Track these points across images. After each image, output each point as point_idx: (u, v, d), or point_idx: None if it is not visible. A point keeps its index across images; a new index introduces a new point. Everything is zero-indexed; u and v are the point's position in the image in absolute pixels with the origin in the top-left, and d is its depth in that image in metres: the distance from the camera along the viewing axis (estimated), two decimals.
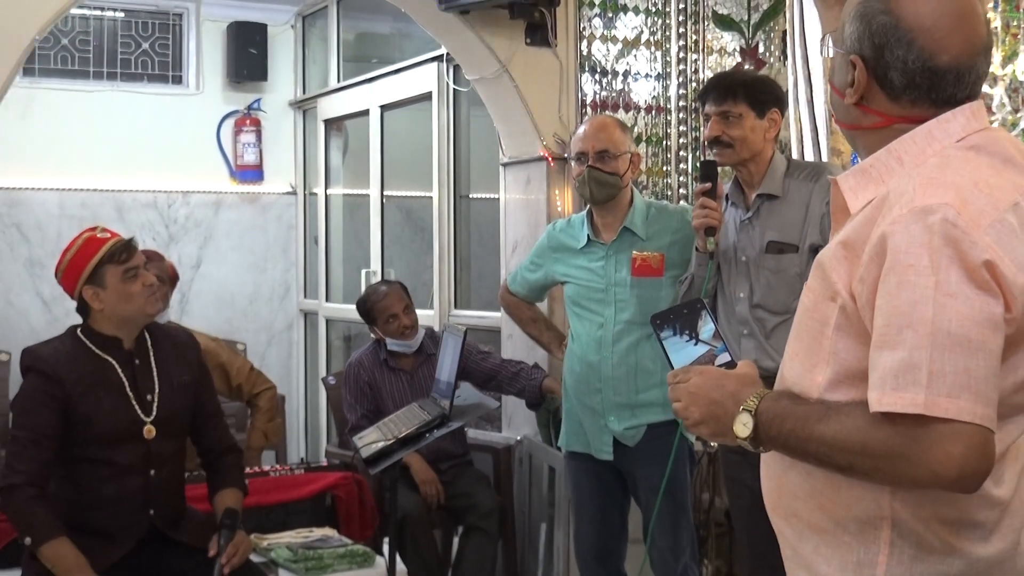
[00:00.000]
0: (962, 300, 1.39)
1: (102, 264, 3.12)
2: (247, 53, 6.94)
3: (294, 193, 7.27)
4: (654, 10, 4.85)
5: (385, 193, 6.37)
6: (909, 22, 1.56)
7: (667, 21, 4.79)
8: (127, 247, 3.17)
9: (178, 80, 7.01)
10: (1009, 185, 1.49)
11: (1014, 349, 1.47)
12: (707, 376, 1.70)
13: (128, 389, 3.17)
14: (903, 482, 1.47)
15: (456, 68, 5.33)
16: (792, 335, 1.68)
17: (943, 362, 1.38)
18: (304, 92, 7.24)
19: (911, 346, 1.40)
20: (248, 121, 7.05)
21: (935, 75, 1.55)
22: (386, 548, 3.56)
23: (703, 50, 4.65)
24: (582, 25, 4.78)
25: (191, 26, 7.01)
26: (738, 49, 4.52)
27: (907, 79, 1.56)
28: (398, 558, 3.47)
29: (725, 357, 1.79)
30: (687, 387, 1.70)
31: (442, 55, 5.47)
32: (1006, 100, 4.20)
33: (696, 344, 1.81)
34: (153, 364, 3.24)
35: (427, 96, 5.76)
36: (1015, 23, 4.30)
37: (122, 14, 6.85)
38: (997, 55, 4.01)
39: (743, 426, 1.58)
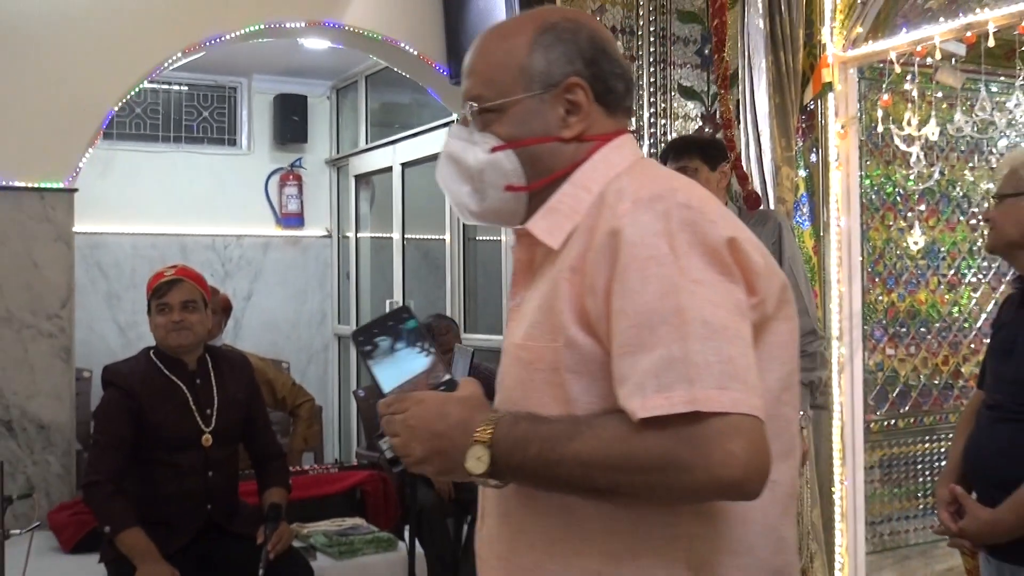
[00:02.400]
0: (709, 286, 1.09)
1: (152, 297, 3.18)
2: (290, 120, 6.99)
3: (330, 236, 7.30)
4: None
5: (406, 236, 6.40)
6: (599, 35, 1.32)
7: (639, 92, 4.82)
8: (168, 285, 3.18)
9: (232, 143, 7.05)
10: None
11: (764, 338, 1.18)
12: (427, 405, 1.19)
13: (191, 404, 3.18)
14: (679, 496, 1.09)
15: None
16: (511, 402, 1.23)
17: (706, 352, 1.06)
18: (338, 152, 7.27)
19: (668, 341, 1.06)
20: (291, 176, 7.08)
21: (628, 80, 1.33)
22: (407, 535, 3.56)
23: (670, 116, 4.67)
24: None
25: (243, 97, 7.05)
26: (699, 115, 4.55)
27: (624, 84, 1.32)
28: (417, 543, 3.47)
29: (442, 376, 1.27)
30: (404, 419, 1.19)
31: (454, 121, 5.50)
32: (922, 156, 4.23)
33: (408, 355, 1.27)
34: (213, 382, 3.25)
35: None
36: (928, 92, 4.34)
37: (186, 87, 6.89)
38: (914, 119, 4.04)
39: (477, 460, 1.13)
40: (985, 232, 2.52)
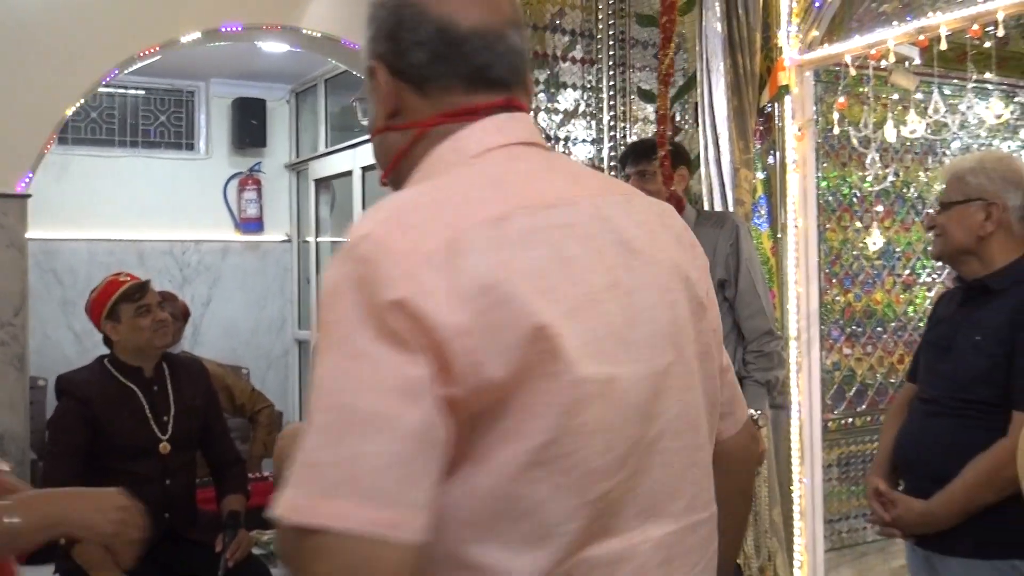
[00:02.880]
0: (369, 361, 0.87)
1: (118, 302, 3.12)
2: (249, 124, 6.94)
3: (289, 241, 7.25)
4: (589, 87, 4.89)
5: None
6: (406, 2, 1.09)
7: (600, 96, 4.83)
8: (140, 288, 3.16)
9: (190, 147, 6.98)
10: (508, 195, 0.98)
11: (503, 406, 0.91)
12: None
13: (147, 412, 3.15)
14: None
15: None
16: None
17: (327, 450, 0.85)
18: (297, 156, 7.23)
19: (309, 431, 0.87)
20: (250, 181, 7.03)
21: (456, 43, 1.05)
22: None
23: (629, 119, 4.69)
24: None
25: (201, 102, 6.99)
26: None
27: (428, 52, 1.06)
28: None
29: None
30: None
31: None
32: (877, 158, 4.28)
33: None
34: (169, 390, 3.22)
35: None
36: (883, 95, 4.39)
37: (143, 92, 6.82)
38: (870, 121, 4.09)
39: None
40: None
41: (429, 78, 1.07)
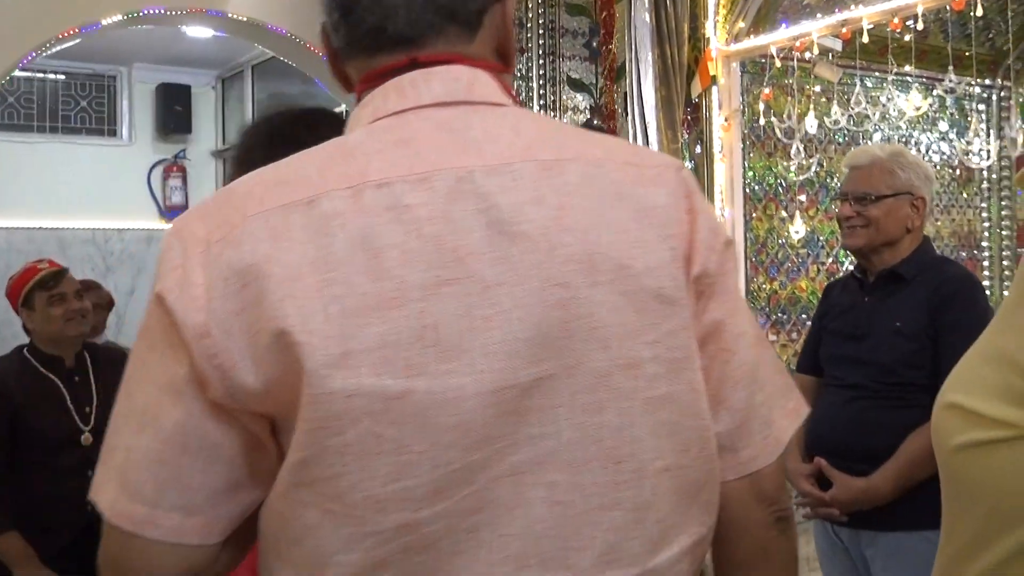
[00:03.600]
0: (153, 354, 0.85)
1: (33, 290, 3.05)
2: (173, 110, 6.83)
3: None
4: (519, 75, 4.91)
5: None
6: None
7: (530, 84, 4.84)
8: (55, 276, 3.09)
9: (113, 133, 6.84)
10: (341, 172, 0.86)
11: (278, 432, 0.86)
12: None
13: (69, 403, 3.08)
14: None
15: None
16: None
17: (116, 437, 0.87)
18: (224, 143, 7.12)
19: (113, 414, 0.89)
20: (175, 168, 6.92)
21: (347, 6, 0.95)
22: None
23: (559, 108, 4.71)
24: None
25: (124, 87, 6.85)
26: (588, 107, 4.59)
27: (331, 22, 0.97)
28: None
29: None
30: None
31: (343, 111, 5.44)
32: (801, 148, 4.36)
33: None
34: (92, 380, 3.15)
35: None
36: (807, 86, 4.48)
37: (62, 76, 6.66)
38: (794, 112, 4.16)
39: None
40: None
41: (338, 50, 0.98)
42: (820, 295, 2.96)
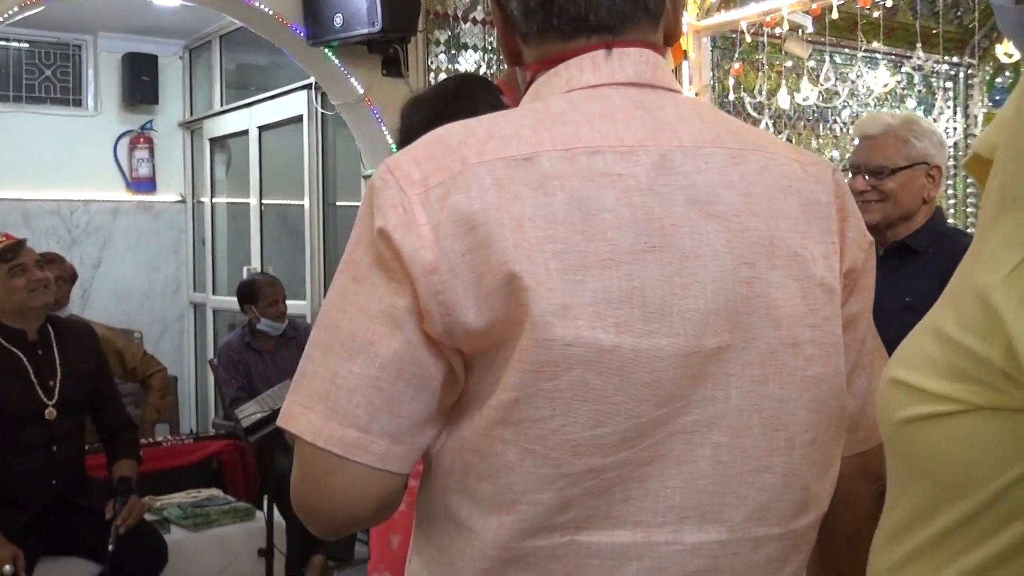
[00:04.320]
0: (364, 285, 0.89)
1: None
2: (140, 80, 6.71)
3: (184, 202, 7.06)
4: (489, 48, 4.88)
5: (263, 202, 6.24)
6: None
7: (500, 56, 4.82)
8: (14, 248, 3.05)
9: (78, 103, 6.72)
10: (555, 135, 0.91)
11: (482, 355, 0.90)
12: None
13: (32, 376, 3.05)
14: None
15: (323, 95, 5.26)
16: None
17: (318, 364, 0.91)
18: (191, 114, 7.03)
19: (310, 343, 0.93)
20: (142, 139, 6.82)
21: None
22: (265, 504, 3.51)
23: None
24: (430, 60, 4.77)
25: (89, 56, 6.73)
26: None
27: (522, 6, 1.00)
28: (276, 512, 3.42)
29: None
30: None
31: (311, 83, 5.39)
32: (771, 124, 4.37)
33: None
34: (56, 353, 3.12)
35: (299, 119, 5.67)
36: (778, 62, 4.48)
37: (27, 45, 6.53)
38: (764, 88, 4.17)
39: None
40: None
41: (526, 32, 1.02)
42: None
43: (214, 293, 6.78)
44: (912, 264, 2.38)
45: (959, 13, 5.24)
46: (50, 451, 3.04)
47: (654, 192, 0.90)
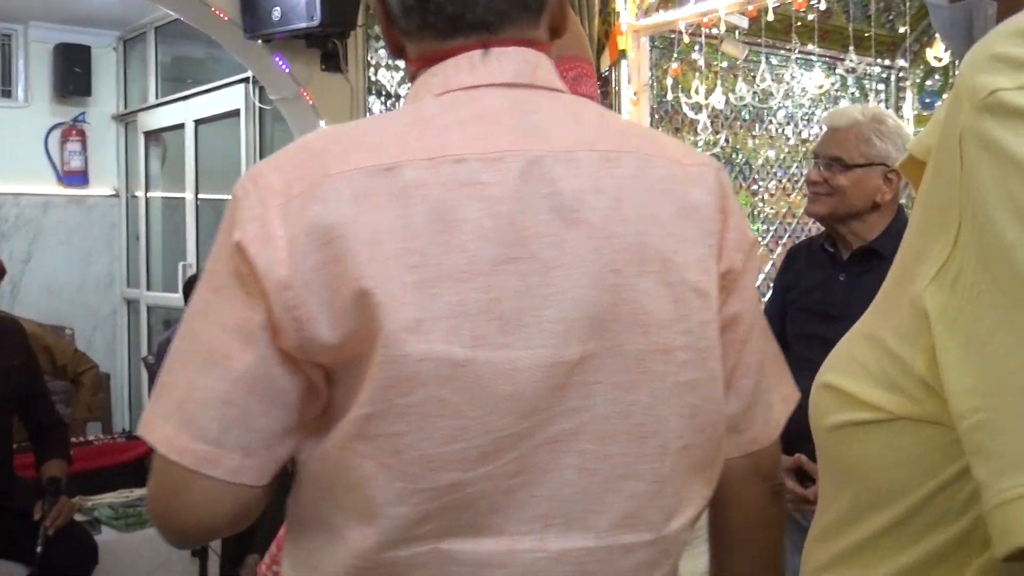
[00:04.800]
0: (222, 297, 0.88)
1: None
2: (73, 71, 6.56)
3: (117, 196, 6.92)
4: None
5: (199, 196, 6.15)
6: None
7: None
8: None
9: (7, 94, 6.55)
10: (421, 142, 0.89)
11: (344, 369, 0.88)
12: None
13: None
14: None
15: (261, 89, 5.19)
16: None
17: (177, 374, 0.90)
18: (126, 107, 6.89)
19: (170, 352, 0.92)
20: (74, 132, 6.67)
21: None
22: None
23: None
24: (370, 55, 4.74)
25: (20, 46, 6.56)
26: None
27: (399, 3, 0.98)
28: None
29: None
30: None
31: (249, 77, 5.32)
32: (708, 124, 4.41)
33: None
34: None
35: (236, 112, 5.60)
36: (715, 63, 4.52)
37: None
38: (701, 88, 4.21)
39: None
40: (803, 196, 2.35)
41: (405, 29, 1.00)
42: (782, 262, 2.66)
43: (148, 289, 6.66)
44: (878, 268, 2.30)
45: (891, 17, 5.34)
46: None
47: (519, 200, 0.88)
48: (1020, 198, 0.61)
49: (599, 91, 1.94)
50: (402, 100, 4.72)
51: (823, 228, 2.47)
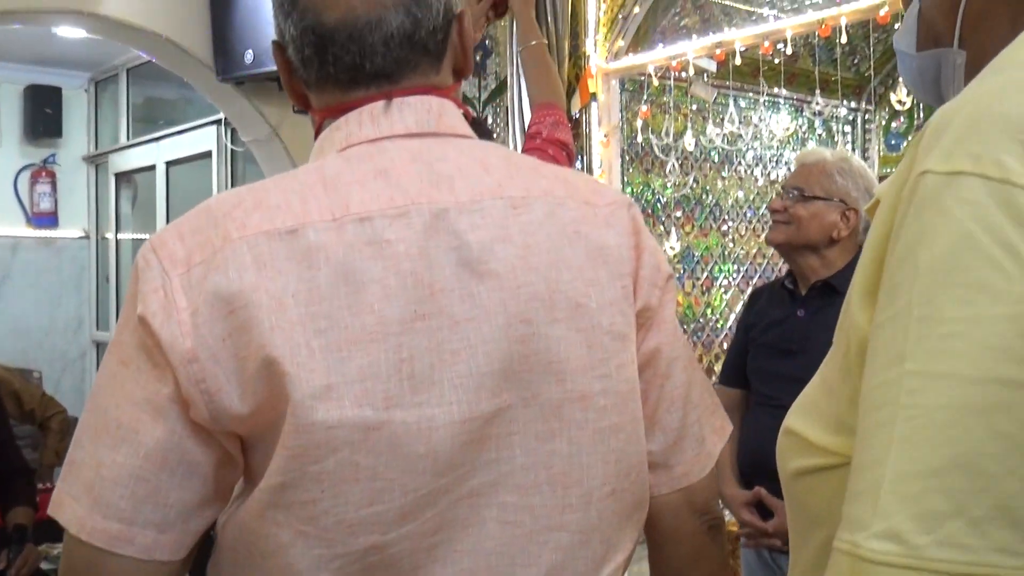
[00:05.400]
0: (129, 370, 0.86)
1: None
2: (43, 112, 6.55)
3: (87, 238, 6.88)
4: None
5: None
6: None
7: None
8: None
9: None
10: (323, 202, 0.88)
11: (255, 452, 0.88)
12: None
13: None
14: None
15: (233, 131, 5.20)
16: None
17: (85, 452, 0.87)
18: (96, 148, 6.87)
19: (78, 428, 0.90)
20: (44, 173, 6.63)
21: (323, 42, 0.94)
22: None
23: None
24: None
25: None
26: (471, 121, 4.60)
27: (298, 53, 0.96)
28: None
29: None
30: None
31: (221, 119, 5.33)
32: (677, 166, 4.46)
33: None
34: None
35: (208, 154, 5.60)
36: (684, 105, 4.58)
37: None
38: (671, 130, 4.25)
39: None
40: (765, 230, 2.41)
41: (306, 80, 0.98)
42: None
43: None
44: (836, 305, 2.35)
45: (856, 61, 5.44)
46: None
47: (425, 256, 0.87)
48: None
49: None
50: None
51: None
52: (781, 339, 2.42)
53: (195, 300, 0.84)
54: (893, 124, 5.59)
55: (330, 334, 0.83)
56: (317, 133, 0.99)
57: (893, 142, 5.55)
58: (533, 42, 2.04)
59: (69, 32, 5.09)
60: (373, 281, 0.85)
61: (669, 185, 4.71)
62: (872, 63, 5.12)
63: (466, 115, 1.01)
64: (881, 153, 5.46)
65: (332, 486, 0.84)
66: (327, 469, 0.83)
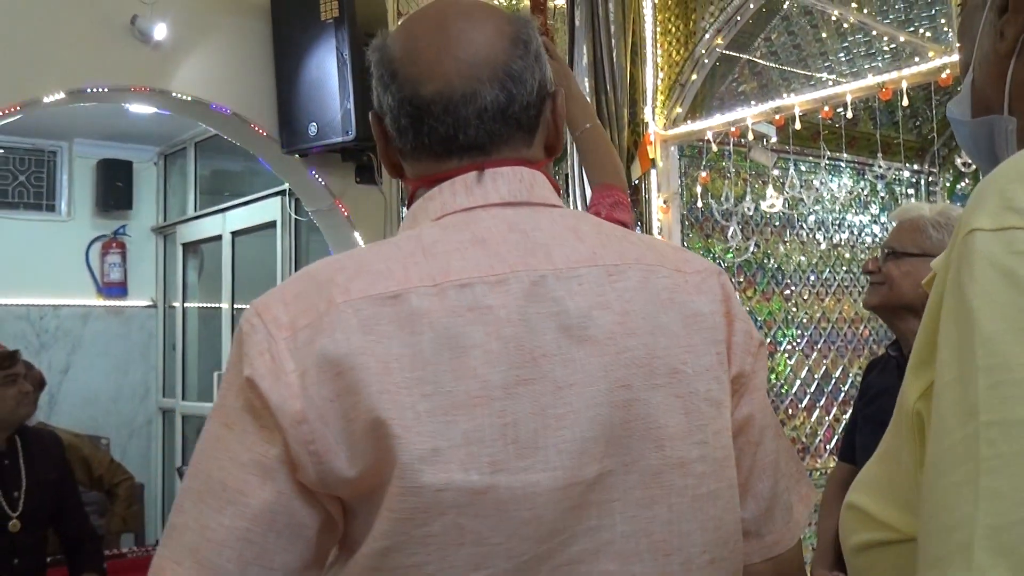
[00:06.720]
0: (235, 433, 0.87)
1: None
2: (114, 185, 6.77)
3: (155, 306, 7.05)
4: None
5: (235, 306, 6.24)
6: (393, 51, 1.01)
7: None
8: (10, 357, 3.03)
9: (51, 208, 6.75)
10: (424, 269, 0.90)
11: (359, 515, 0.88)
12: None
13: None
14: None
15: (297, 201, 5.32)
16: None
17: (188, 515, 0.87)
18: (165, 219, 7.07)
19: (181, 492, 0.90)
20: (114, 244, 6.84)
21: (419, 113, 0.97)
22: None
23: None
24: None
25: (64, 162, 6.79)
26: None
27: (395, 122, 1.00)
28: None
29: None
30: None
31: (285, 190, 5.45)
32: (738, 231, 4.45)
33: None
34: (21, 464, 3.07)
35: (272, 224, 5.72)
36: (744, 170, 4.59)
37: (1, 151, 6.59)
38: (731, 195, 4.26)
39: None
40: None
41: (401, 150, 1.02)
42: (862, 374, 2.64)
43: (184, 398, 6.71)
44: None
45: (918, 123, 5.41)
46: (11, 565, 2.97)
47: (525, 322, 0.89)
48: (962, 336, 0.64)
49: (631, 205, 1.98)
50: None
51: (873, 335, 2.46)
52: (880, 411, 2.30)
53: (303, 362, 0.85)
54: (959, 185, 5.54)
55: (435, 398, 0.84)
56: (410, 202, 1.02)
57: (960, 204, 5.49)
58: (588, 125, 1.98)
59: (140, 108, 5.28)
60: (475, 346, 0.87)
61: (730, 250, 4.70)
62: (935, 125, 5.10)
63: (555, 188, 1.03)
64: None
65: (439, 549, 0.84)
66: (433, 532, 0.84)
